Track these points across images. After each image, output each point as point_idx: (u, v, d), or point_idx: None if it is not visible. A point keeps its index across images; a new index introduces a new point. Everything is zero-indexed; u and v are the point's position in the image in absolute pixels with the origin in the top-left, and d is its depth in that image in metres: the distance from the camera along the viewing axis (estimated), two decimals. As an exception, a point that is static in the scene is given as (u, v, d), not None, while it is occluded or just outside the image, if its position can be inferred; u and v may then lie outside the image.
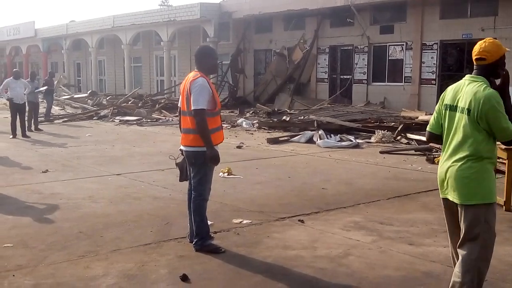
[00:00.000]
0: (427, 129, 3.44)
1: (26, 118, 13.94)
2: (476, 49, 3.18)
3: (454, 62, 17.24)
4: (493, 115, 3.01)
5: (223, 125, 16.30)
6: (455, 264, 3.31)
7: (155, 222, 5.43)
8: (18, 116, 13.19)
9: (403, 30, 17.77)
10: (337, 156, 10.36)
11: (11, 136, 13.00)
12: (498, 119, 3.01)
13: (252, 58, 23.72)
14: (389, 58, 18.35)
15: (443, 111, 3.26)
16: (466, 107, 3.08)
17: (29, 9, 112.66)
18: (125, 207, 6.06)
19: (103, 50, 32.22)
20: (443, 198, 3.30)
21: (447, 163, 3.20)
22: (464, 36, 15.95)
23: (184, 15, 24.00)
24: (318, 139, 12.30)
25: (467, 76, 3.21)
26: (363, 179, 8.03)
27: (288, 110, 17.96)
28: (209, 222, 4.84)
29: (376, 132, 12.78)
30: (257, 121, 16.35)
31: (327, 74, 20.60)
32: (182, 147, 4.61)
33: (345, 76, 20.02)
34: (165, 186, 7.12)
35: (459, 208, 3.17)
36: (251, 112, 19.01)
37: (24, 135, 13.20)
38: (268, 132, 14.50)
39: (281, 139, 12.82)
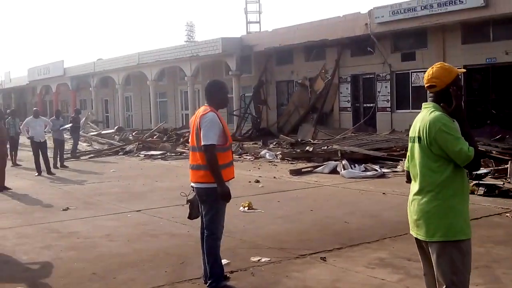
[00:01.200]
0: (404, 168, 3.29)
1: (52, 155, 14.16)
2: (425, 76, 3.04)
3: (479, 87, 16.89)
4: (441, 138, 2.82)
5: (246, 156, 16.52)
6: None
7: (170, 262, 5.29)
8: (41, 154, 13.38)
9: (425, 57, 17.55)
10: (361, 186, 10.11)
11: (36, 174, 13.19)
12: (449, 141, 2.81)
13: (274, 89, 23.79)
14: (412, 85, 18.15)
15: (409, 145, 3.12)
16: (417, 135, 2.93)
17: (58, 49, 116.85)
18: (141, 246, 5.95)
19: (129, 87, 32.88)
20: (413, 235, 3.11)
21: (411, 197, 3.04)
22: (488, 61, 15.64)
23: (206, 50, 24.39)
24: (342, 169, 12.07)
25: (423, 104, 3.07)
26: (389, 211, 7.76)
27: (311, 140, 17.80)
28: (224, 261, 4.68)
29: (402, 160, 12.48)
30: (280, 152, 16.23)
31: (350, 103, 20.46)
32: (192, 184, 4.50)
33: (368, 105, 19.83)
34: (184, 223, 6.97)
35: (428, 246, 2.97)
36: (274, 143, 18.91)
37: (49, 172, 13.36)
38: (292, 163, 14.34)
39: (304, 170, 12.64)
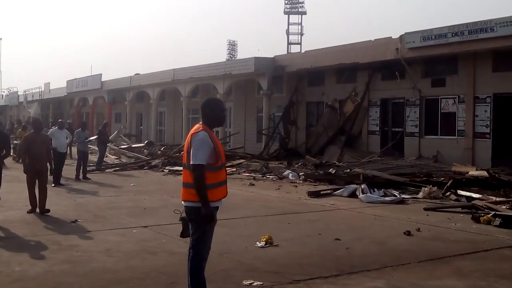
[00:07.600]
0: None
1: (75, 166, 14.39)
2: None
3: (510, 115, 16.31)
4: None
5: (269, 176, 16.41)
6: None
7: (160, 281, 5.25)
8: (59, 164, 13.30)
9: (455, 83, 17.20)
10: (378, 212, 9.89)
11: (52, 185, 12.94)
12: None
13: (304, 110, 23.71)
14: (442, 111, 17.71)
15: None
16: None
17: (97, 63, 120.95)
18: (137, 263, 5.94)
19: (163, 102, 33.39)
20: None
21: None
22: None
23: (239, 69, 24.61)
24: (361, 193, 11.84)
25: None
26: (398, 238, 7.55)
27: (336, 163, 17.56)
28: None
29: (424, 187, 12.15)
30: (303, 173, 16.08)
31: (378, 127, 20.14)
32: (183, 202, 4.48)
33: (397, 129, 19.47)
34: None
35: None
36: (299, 164, 18.77)
37: (57, 183, 13.15)
38: (314, 185, 14.18)
39: (322, 192, 12.47)
